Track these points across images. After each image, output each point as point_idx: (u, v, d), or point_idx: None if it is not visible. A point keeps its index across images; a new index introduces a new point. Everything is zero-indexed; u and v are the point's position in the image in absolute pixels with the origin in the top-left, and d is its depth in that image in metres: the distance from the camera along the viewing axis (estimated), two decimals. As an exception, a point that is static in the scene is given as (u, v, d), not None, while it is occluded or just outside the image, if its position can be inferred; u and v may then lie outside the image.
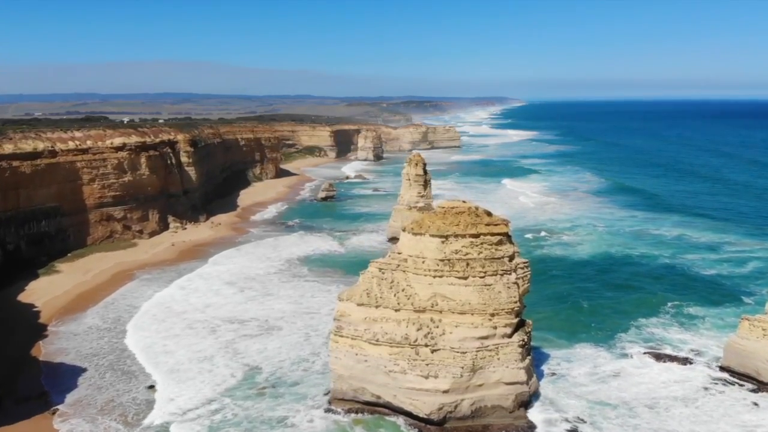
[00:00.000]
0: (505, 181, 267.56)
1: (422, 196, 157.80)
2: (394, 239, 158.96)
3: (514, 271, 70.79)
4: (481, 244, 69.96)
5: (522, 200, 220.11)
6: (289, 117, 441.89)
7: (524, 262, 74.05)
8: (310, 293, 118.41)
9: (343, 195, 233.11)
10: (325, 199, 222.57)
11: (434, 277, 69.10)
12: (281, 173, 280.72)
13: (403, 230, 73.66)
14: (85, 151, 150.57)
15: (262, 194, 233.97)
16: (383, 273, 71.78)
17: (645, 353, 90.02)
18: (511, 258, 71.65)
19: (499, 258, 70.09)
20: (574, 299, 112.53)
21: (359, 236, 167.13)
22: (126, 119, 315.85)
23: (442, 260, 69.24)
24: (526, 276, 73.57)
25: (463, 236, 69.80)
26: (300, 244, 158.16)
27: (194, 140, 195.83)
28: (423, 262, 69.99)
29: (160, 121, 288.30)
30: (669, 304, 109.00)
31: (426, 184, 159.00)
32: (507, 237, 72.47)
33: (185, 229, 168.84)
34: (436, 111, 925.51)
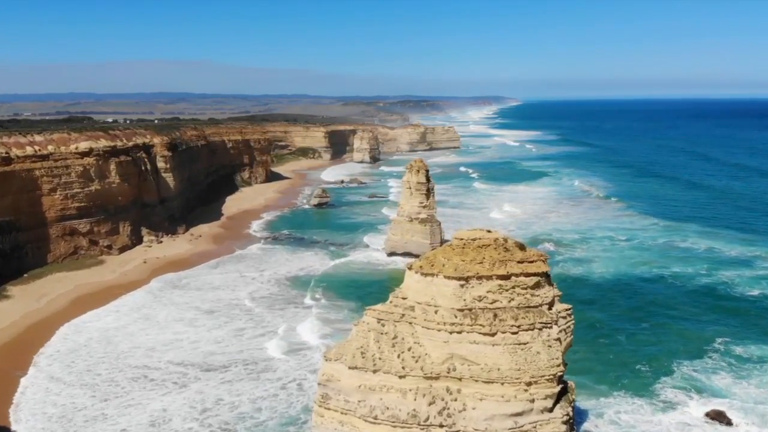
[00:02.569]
0: (508, 184, 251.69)
1: (424, 207, 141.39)
2: (393, 254, 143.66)
3: (556, 322, 53.94)
4: (513, 288, 52.97)
5: (527, 206, 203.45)
6: (282, 117, 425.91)
7: (566, 309, 56.74)
8: (300, 324, 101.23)
9: (338, 201, 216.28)
10: (318, 206, 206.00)
11: (451, 332, 52.09)
12: (272, 177, 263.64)
13: (409, 268, 56.44)
14: (45, 158, 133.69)
15: (249, 201, 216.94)
16: (383, 325, 54.66)
17: (704, 416, 72.55)
18: (551, 305, 54.81)
19: (536, 306, 53.15)
20: (610, 333, 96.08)
21: (356, 251, 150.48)
22: (111, 119, 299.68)
23: (461, 310, 52.33)
24: (569, 327, 56.49)
25: (489, 278, 52.83)
26: (291, 260, 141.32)
27: (173, 143, 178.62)
28: (436, 312, 53.04)
29: (155, 121, 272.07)
30: (719, 340, 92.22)
31: (429, 192, 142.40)
32: (546, 277, 55.38)
33: (161, 242, 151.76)
34: (433, 111, 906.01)
